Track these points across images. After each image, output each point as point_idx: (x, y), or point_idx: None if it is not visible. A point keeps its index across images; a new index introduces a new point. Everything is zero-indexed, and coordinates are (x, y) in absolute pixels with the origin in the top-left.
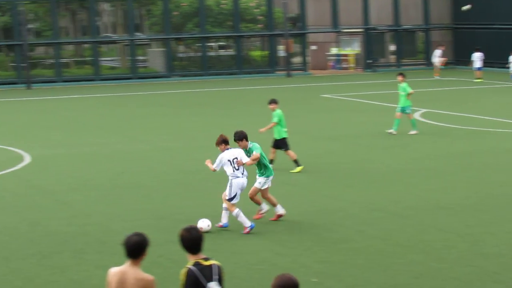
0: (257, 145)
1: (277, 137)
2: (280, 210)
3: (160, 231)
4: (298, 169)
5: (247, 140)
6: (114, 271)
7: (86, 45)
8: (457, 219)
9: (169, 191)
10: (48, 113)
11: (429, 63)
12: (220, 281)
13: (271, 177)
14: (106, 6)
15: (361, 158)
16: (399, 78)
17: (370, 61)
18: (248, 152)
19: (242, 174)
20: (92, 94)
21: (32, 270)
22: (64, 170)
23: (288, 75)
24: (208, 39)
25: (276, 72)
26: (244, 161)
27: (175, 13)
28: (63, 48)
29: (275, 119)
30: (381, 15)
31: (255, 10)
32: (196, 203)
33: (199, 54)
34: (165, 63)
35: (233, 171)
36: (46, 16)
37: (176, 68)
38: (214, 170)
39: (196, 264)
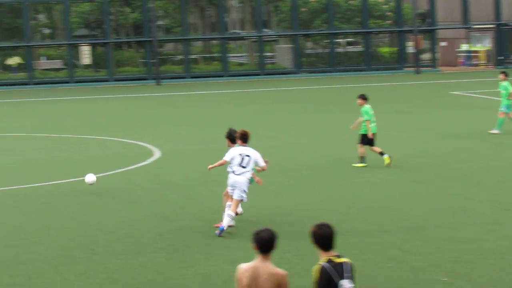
0: None
1: (365, 132)
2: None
3: (287, 227)
4: (361, 165)
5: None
6: (244, 267)
7: (214, 42)
8: None
9: (296, 187)
10: (177, 108)
11: None
12: (352, 278)
13: None
14: (234, 3)
15: (490, 156)
16: (501, 76)
17: (502, 57)
18: None
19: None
20: (220, 90)
21: (161, 264)
22: (193, 165)
23: (417, 72)
24: (336, 35)
25: (405, 68)
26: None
27: (303, 9)
28: (191, 44)
29: (365, 116)
30: None
31: (384, 6)
32: (323, 200)
33: (327, 50)
34: (292, 60)
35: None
36: (175, 12)
37: (304, 64)
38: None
39: (329, 261)
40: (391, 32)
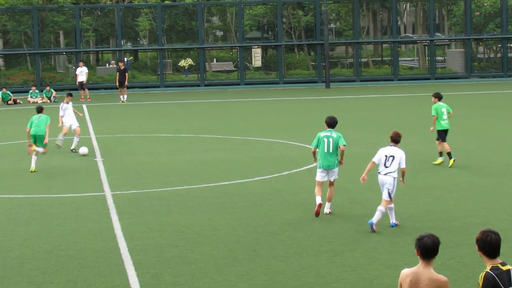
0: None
1: (439, 128)
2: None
3: (451, 233)
4: (439, 161)
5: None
6: (406, 272)
7: (385, 45)
8: None
9: (463, 193)
10: (345, 111)
11: None
12: None
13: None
14: (407, 6)
15: None
16: None
17: None
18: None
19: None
20: (389, 94)
21: (323, 267)
22: (360, 169)
23: None
24: (509, 40)
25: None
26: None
27: (477, 13)
28: (362, 47)
29: (433, 112)
30: None
31: None
32: (490, 206)
33: (499, 55)
34: (464, 64)
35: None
36: (347, 16)
37: (475, 69)
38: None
39: (494, 269)
40: None
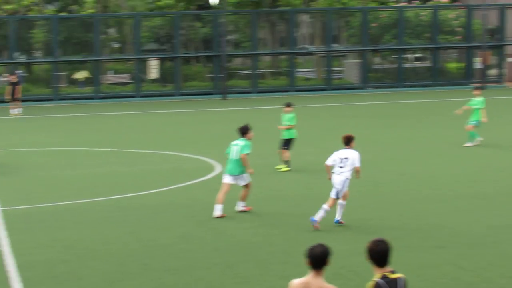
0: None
1: (286, 137)
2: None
3: (344, 242)
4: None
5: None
6: (296, 283)
7: (282, 57)
8: None
9: (355, 203)
10: (241, 123)
11: None
12: None
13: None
14: (305, 18)
15: None
16: (476, 92)
17: None
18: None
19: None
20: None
21: (216, 280)
22: (258, 181)
23: (482, 88)
24: (405, 50)
25: (471, 84)
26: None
27: (374, 24)
28: (260, 59)
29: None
30: None
31: (454, 22)
32: (382, 215)
33: (395, 66)
34: (360, 75)
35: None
36: (245, 27)
37: (371, 79)
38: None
39: (383, 277)
40: (460, 47)
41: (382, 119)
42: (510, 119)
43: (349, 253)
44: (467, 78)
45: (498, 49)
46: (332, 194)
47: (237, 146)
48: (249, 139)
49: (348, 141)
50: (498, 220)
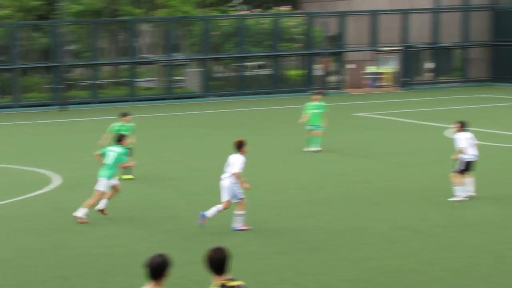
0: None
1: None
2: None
3: (184, 251)
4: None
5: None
6: None
7: (124, 66)
8: (482, 236)
9: (196, 212)
10: (81, 134)
11: (466, 80)
12: None
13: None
14: (146, 27)
15: (392, 176)
16: (316, 97)
17: (407, 79)
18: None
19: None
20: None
21: None
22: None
23: (324, 94)
24: (246, 58)
25: (312, 91)
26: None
27: (215, 33)
28: (100, 69)
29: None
30: (420, 33)
31: (295, 30)
32: (223, 223)
33: (236, 74)
34: (201, 83)
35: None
36: (86, 37)
37: (213, 88)
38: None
39: (222, 286)
40: (300, 55)
41: (223, 128)
42: (350, 125)
43: (189, 262)
44: (308, 85)
45: (338, 56)
46: (223, 198)
47: (114, 152)
48: (124, 145)
49: (238, 146)
50: (337, 224)
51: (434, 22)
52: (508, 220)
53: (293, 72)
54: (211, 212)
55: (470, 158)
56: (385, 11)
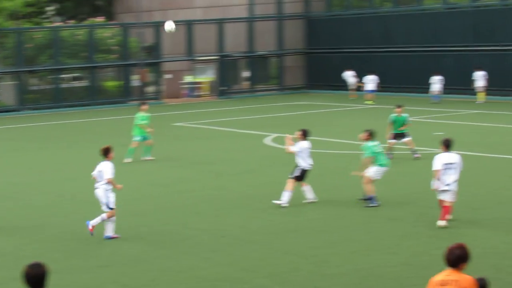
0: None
1: None
2: None
3: (2, 269)
4: None
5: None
6: None
7: None
8: (303, 241)
9: (15, 228)
10: None
11: (282, 88)
12: None
13: None
14: None
15: (213, 185)
16: (144, 107)
17: (224, 88)
18: None
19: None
20: None
21: None
22: None
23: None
24: (62, 70)
25: (130, 102)
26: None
27: (29, 45)
28: None
29: None
30: (236, 42)
31: (110, 41)
32: (42, 238)
33: (52, 86)
34: (16, 96)
35: None
36: None
37: (28, 101)
38: None
39: None
40: (117, 66)
41: (38, 141)
42: (170, 135)
43: (9, 279)
44: (126, 96)
45: (155, 66)
46: (104, 208)
47: None
48: None
49: (105, 153)
50: (159, 235)
51: (249, 31)
52: (328, 225)
53: (110, 84)
54: (95, 220)
55: (306, 166)
56: (200, 21)
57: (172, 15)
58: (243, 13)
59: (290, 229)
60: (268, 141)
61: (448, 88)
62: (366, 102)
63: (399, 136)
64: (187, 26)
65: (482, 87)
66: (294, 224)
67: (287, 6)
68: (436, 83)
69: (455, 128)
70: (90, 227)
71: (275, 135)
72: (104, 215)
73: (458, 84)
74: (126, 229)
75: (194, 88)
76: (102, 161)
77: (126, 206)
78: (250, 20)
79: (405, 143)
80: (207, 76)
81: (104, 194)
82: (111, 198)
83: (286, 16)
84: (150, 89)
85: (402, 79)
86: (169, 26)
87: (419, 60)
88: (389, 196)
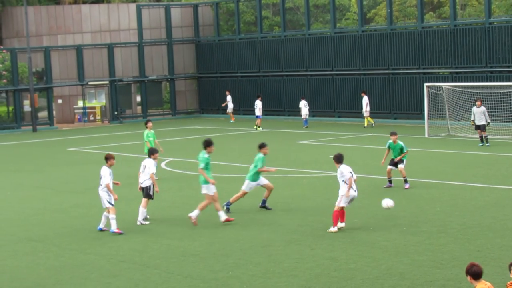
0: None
1: None
2: None
3: None
4: None
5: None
6: None
7: None
8: (203, 265)
9: None
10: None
11: (174, 113)
12: None
13: None
14: None
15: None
16: (148, 124)
17: (116, 112)
18: None
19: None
20: None
21: None
22: None
23: (34, 130)
24: None
25: (22, 127)
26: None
27: None
28: None
29: None
30: (127, 67)
31: None
32: None
33: None
34: None
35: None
36: None
37: None
38: None
39: None
40: (7, 91)
41: None
42: (63, 160)
43: None
44: (17, 121)
45: (46, 91)
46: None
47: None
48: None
49: (106, 160)
50: (56, 261)
51: (139, 55)
52: (228, 248)
53: (1, 109)
54: (102, 221)
55: (144, 184)
56: (89, 46)
57: (61, 40)
58: (133, 37)
59: (189, 253)
60: (163, 165)
61: (339, 112)
62: (256, 126)
63: (395, 163)
64: (77, 50)
65: (367, 111)
66: (193, 248)
67: (177, 30)
68: (303, 107)
69: (349, 151)
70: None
71: (170, 159)
72: (106, 214)
73: (349, 108)
74: (22, 255)
75: (86, 113)
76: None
77: (24, 232)
78: (141, 45)
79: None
80: (99, 101)
81: (103, 195)
82: (109, 197)
83: (176, 41)
84: (42, 114)
85: (294, 102)
86: (388, 204)
87: (311, 83)
88: (287, 219)
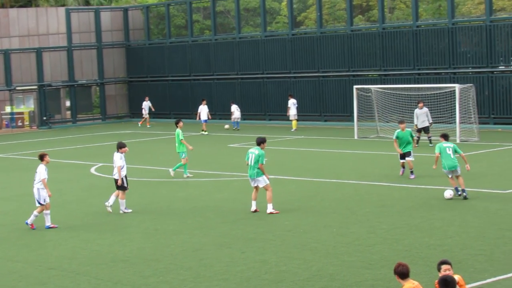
0: None
1: None
2: None
3: None
4: None
5: None
6: None
7: None
8: (133, 270)
9: None
10: None
11: (105, 117)
12: None
13: None
14: None
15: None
16: (179, 124)
17: (45, 117)
18: None
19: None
20: None
21: None
22: None
23: None
24: None
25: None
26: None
27: None
28: None
29: None
30: (55, 71)
31: None
32: None
33: None
34: None
35: None
36: None
37: None
38: None
39: None
40: None
41: None
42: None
43: None
44: None
45: None
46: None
47: (253, 154)
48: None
49: (40, 158)
50: None
51: (68, 59)
52: (158, 253)
53: None
54: (30, 219)
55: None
56: (17, 50)
57: None
58: (62, 41)
59: (119, 258)
60: (92, 170)
61: (270, 115)
62: (202, 131)
63: (404, 155)
64: (4, 55)
65: (294, 115)
66: (122, 253)
67: (107, 34)
68: (235, 110)
69: (279, 154)
70: (30, 225)
71: (100, 164)
72: (36, 212)
73: (280, 111)
74: None
75: (14, 118)
76: (39, 165)
77: None
78: (70, 49)
79: (407, 163)
80: (27, 106)
81: (38, 192)
82: (45, 194)
83: (106, 45)
84: None
85: (224, 106)
86: (450, 194)
87: (242, 86)
88: (219, 223)
